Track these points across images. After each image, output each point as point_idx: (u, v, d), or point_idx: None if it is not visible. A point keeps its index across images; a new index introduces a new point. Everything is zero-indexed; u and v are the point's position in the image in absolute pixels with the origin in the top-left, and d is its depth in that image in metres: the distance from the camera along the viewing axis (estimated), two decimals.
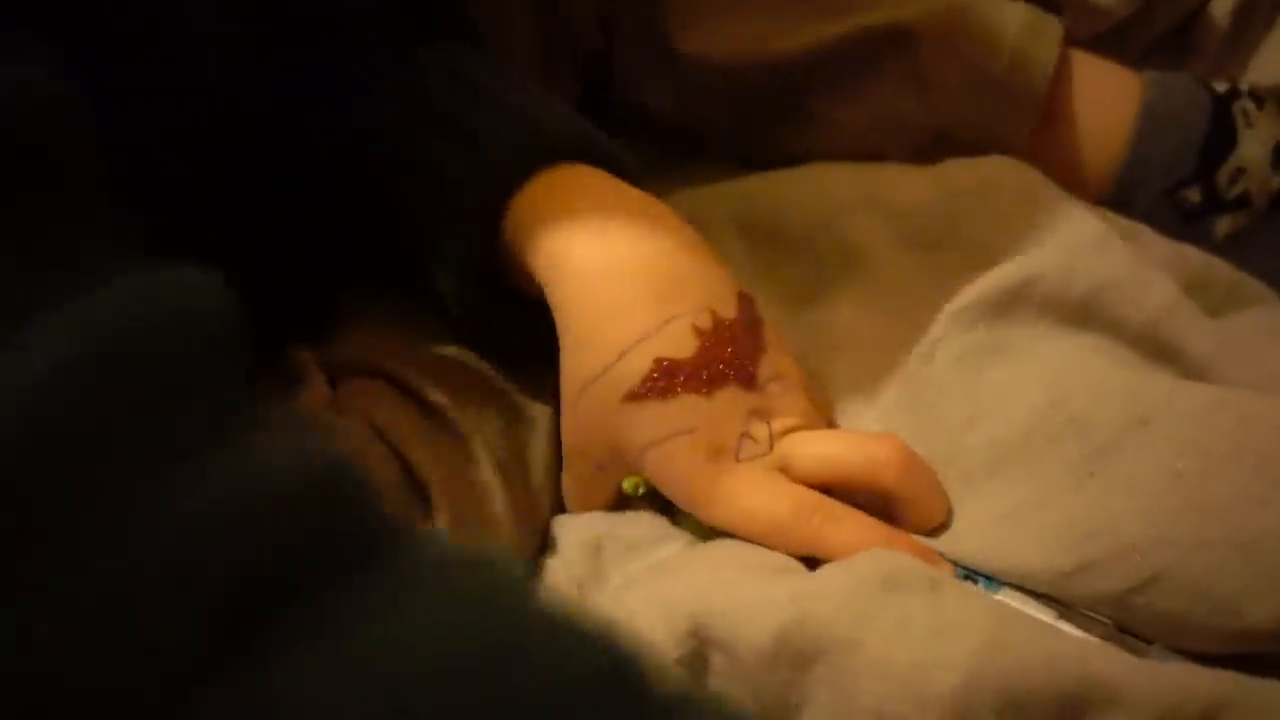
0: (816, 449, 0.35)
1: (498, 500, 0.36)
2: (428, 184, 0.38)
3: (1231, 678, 0.29)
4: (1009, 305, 0.38)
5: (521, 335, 0.38)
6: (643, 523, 0.37)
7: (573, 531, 0.37)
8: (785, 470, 0.35)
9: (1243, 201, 0.45)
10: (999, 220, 0.42)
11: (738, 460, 0.35)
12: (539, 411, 0.39)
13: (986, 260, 0.40)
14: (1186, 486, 0.32)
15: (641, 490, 0.37)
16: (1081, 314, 0.38)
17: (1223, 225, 0.46)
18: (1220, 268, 0.43)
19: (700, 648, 0.31)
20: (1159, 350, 0.38)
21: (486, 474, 0.36)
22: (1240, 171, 0.45)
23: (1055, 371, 0.36)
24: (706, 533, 0.36)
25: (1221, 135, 0.45)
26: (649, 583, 0.34)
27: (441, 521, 0.35)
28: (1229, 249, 0.45)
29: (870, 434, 0.38)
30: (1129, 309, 0.38)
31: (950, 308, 0.39)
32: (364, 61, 0.41)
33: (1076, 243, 0.39)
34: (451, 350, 0.40)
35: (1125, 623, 0.32)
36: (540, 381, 0.39)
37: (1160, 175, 0.45)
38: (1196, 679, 0.29)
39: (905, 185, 0.44)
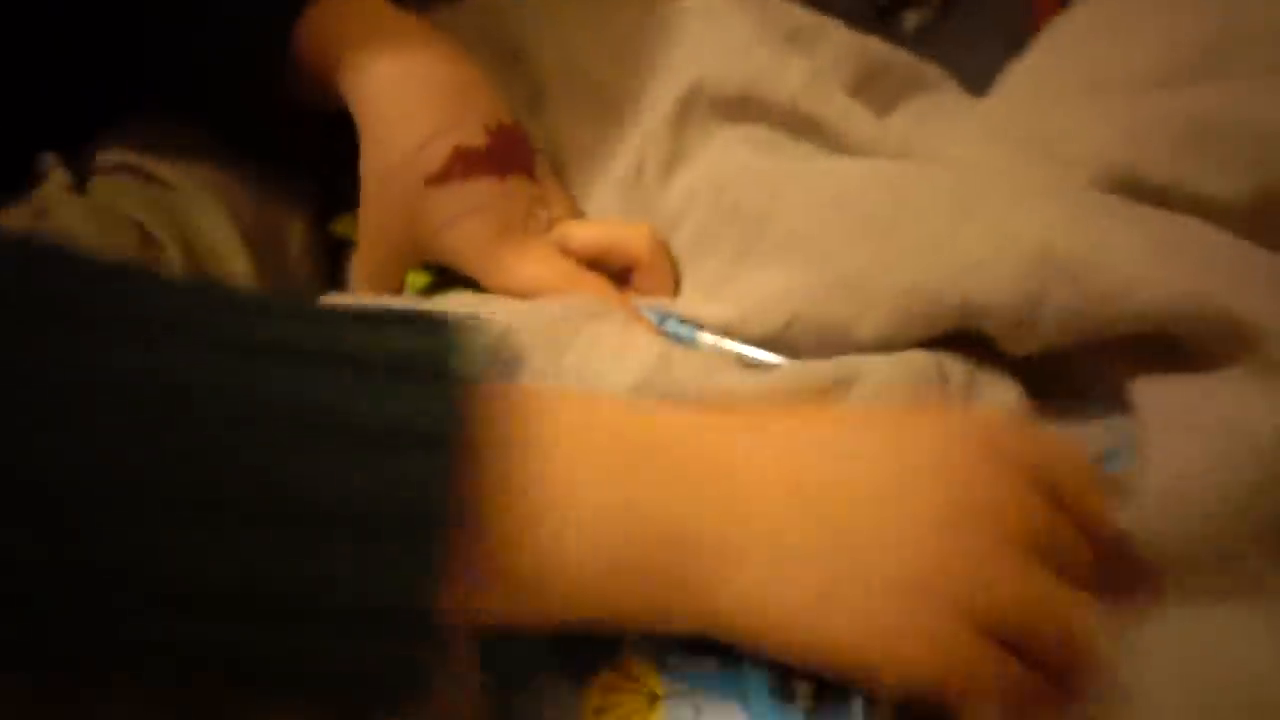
0: (587, 231, 0.45)
1: (238, 259, 0.43)
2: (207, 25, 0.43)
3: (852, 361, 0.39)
4: (685, 114, 0.46)
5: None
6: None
7: None
8: (561, 248, 0.44)
9: None
10: (686, 38, 0.49)
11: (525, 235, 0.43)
12: (295, 202, 0.47)
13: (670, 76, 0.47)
14: (808, 243, 0.41)
15: (420, 286, 0.45)
16: (740, 108, 0.46)
17: (910, 20, 0.52)
18: (900, 56, 0.50)
19: None
20: (802, 125, 0.46)
21: (225, 233, 0.43)
22: None
23: (716, 167, 0.45)
24: None
25: None
26: None
27: (171, 266, 0.40)
28: (918, 43, 0.51)
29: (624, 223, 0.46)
30: (771, 93, 0.46)
31: (637, 129, 0.47)
32: None
33: (727, 45, 0.47)
34: (204, 154, 0.46)
35: (790, 351, 0.41)
36: (296, 185, 0.47)
37: None
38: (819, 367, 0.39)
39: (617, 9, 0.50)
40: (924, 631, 0.30)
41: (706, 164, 0.46)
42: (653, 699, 0.34)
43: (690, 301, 0.44)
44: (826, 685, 0.32)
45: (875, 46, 0.50)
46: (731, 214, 0.44)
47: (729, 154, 0.46)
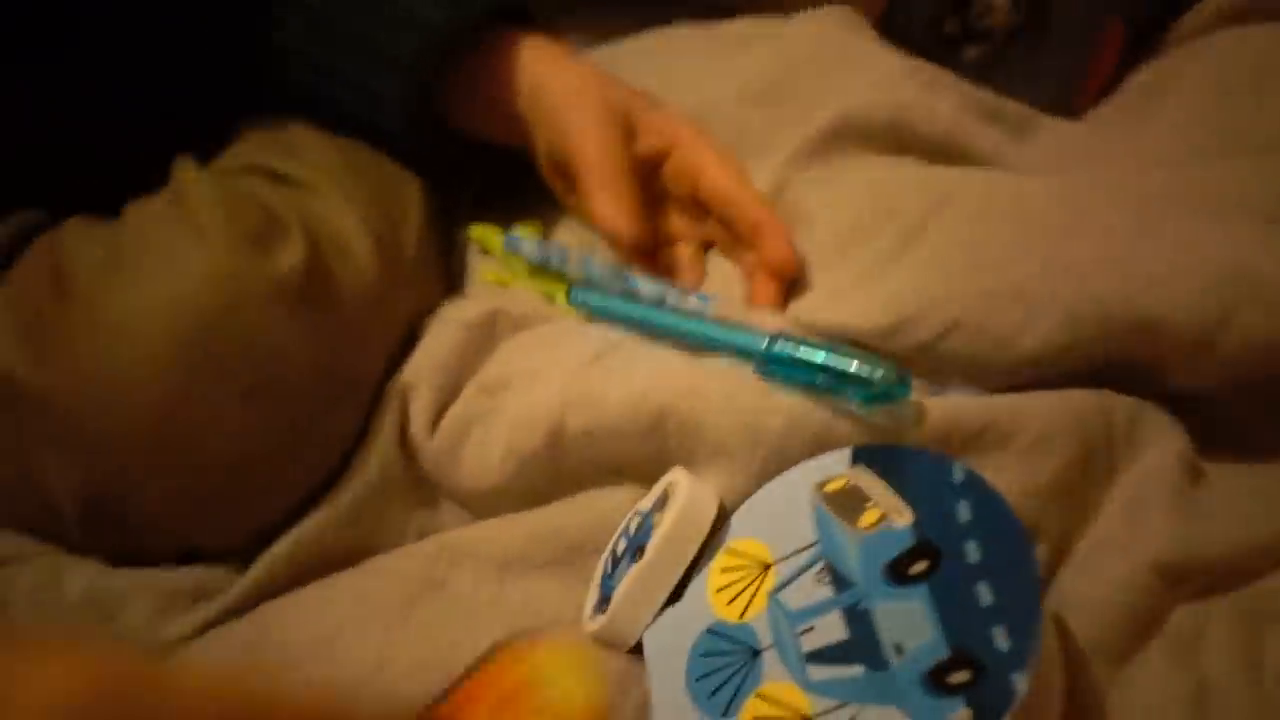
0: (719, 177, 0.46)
1: (360, 247, 0.44)
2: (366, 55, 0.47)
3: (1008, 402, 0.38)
4: (831, 143, 0.46)
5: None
6: (529, 301, 0.48)
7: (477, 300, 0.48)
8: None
9: (987, 34, 0.52)
10: (827, 74, 0.49)
11: None
12: (413, 200, 0.48)
13: (815, 108, 0.47)
14: (973, 249, 0.40)
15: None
16: (888, 136, 0.46)
17: (970, 53, 0.52)
18: (1010, 104, 0.50)
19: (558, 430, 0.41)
20: (953, 155, 0.46)
21: (350, 221, 0.44)
22: (988, 7, 0.51)
23: (872, 180, 0.44)
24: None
25: None
26: (518, 385, 0.43)
27: (296, 245, 0.42)
28: (973, 75, 0.51)
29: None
30: (925, 125, 0.45)
31: (780, 157, 0.46)
32: None
33: (874, 81, 0.47)
34: (328, 155, 0.48)
35: (935, 371, 0.40)
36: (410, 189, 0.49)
37: (924, 5, 0.52)
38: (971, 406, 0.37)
39: (746, 50, 0.51)
40: None
41: (861, 177, 0.44)
42: None
43: (821, 303, 0.42)
44: (983, 668, 0.30)
45: (985, 93, 0.50)
46: (888, 214, 0.42)
47: (888, 170, 0.45)
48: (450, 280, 0.51)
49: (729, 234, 0.46)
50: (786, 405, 0.38)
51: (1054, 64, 0.50)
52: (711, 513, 0.38)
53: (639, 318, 0.44)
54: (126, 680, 0.22)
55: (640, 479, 0.41)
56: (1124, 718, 0.33)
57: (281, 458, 0.42)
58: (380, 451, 0.43)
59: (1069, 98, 0.50)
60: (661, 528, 0.37)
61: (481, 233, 0.53)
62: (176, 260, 0.40)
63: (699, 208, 0.47)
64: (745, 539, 0.38)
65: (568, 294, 0.46)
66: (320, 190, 0.45)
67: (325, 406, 0.42)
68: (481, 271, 0.52)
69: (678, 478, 0.39)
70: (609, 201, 0.44)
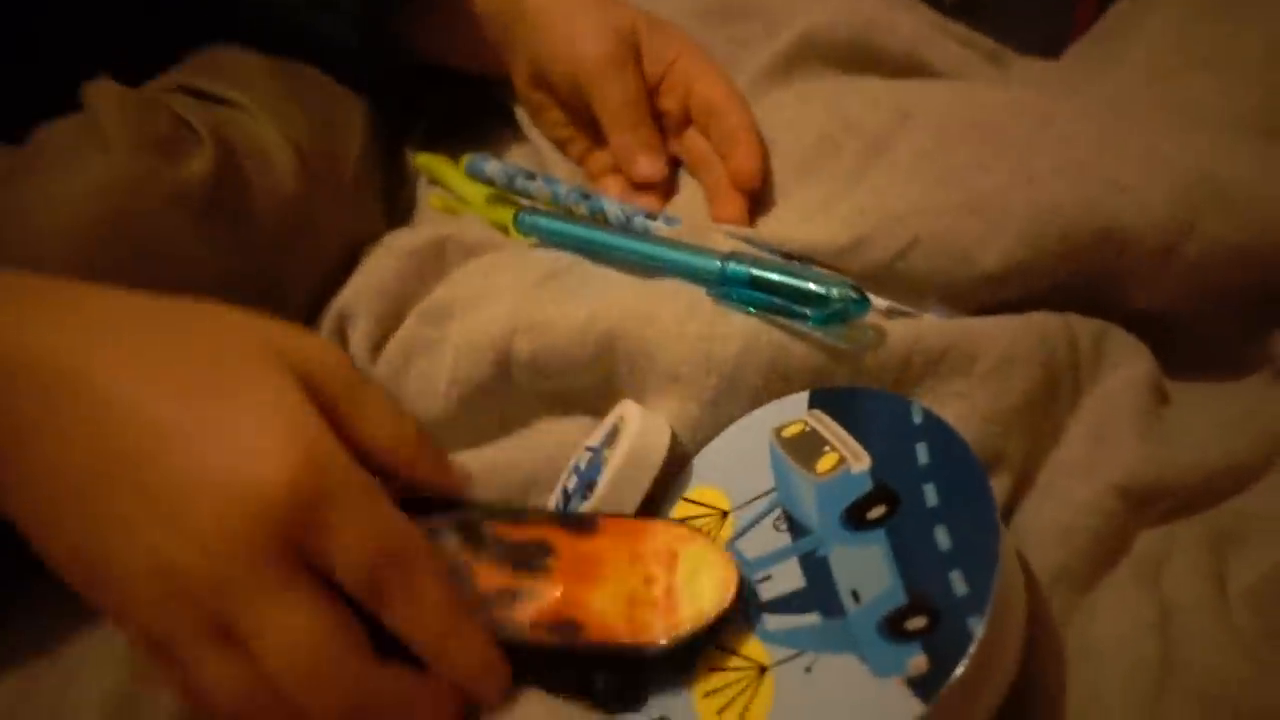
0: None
1: (281, 158, 0.42)
2: None
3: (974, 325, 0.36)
4: (794, 62, 0.43)
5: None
6: (480, 229, 0.46)
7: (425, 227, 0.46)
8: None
9: None
10: None
11: None
12: (355, 125, 0.47)
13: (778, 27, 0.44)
14: (934, 163, 0.38)
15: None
16: (850, 53, 0.44)
17: None
18: (981, 38, 0.48)
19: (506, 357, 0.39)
20: (918, 71, 0.43)
21: (275, 140, 0.43)
22: None
23: (834, 97, 0.42)
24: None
25: None
26: (464, 311, 0.41)
27: (206, 153, 0.40)
28: (955, 17, 0.49)
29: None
30: (888, 39, 0.43)
31: (745, 78, 0.43)
32: None
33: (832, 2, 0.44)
34: (263, 81, 0.46)
35: (895, 293, 0.38)
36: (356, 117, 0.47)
37: None
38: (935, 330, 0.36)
39: None
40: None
41: (822, 96, 0.42)
42: (760, 670, 0.31)
43: (785, 223, 0.41)
44: (939, 614, 0.29)
45: (957, 25, 0.48)
46: (852, 129, 0.40)
47: (850, 85, 0.43)
48: (400, 213, 0.49)
49: (700, 149, 0.44)
50: (740, 329, 0.36)
51: (1039, 5, 0.48)
52: (663, 448, 0.37)
53: (590, 240, 0.42)
54: None
55: (590, 409, 0.39)
56: (1088, 643, 0.33)
57: None
58: None
59: (1056, 43, 0.48)
60: (611, 464, 0.36)
61: (429, 161, 0.51)
62: (76, 166, 0.39)
63: (677, 123, 0.45)
64: (703, 487, 0.37)
65: (515, 219, 0.44)
66: (244, 107, 0.43)
67: None
68: (430, 199, 0.50)
69: (627, 411, 0.37)
70: (639, 147, 0.45)
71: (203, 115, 0.42)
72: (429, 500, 0.34)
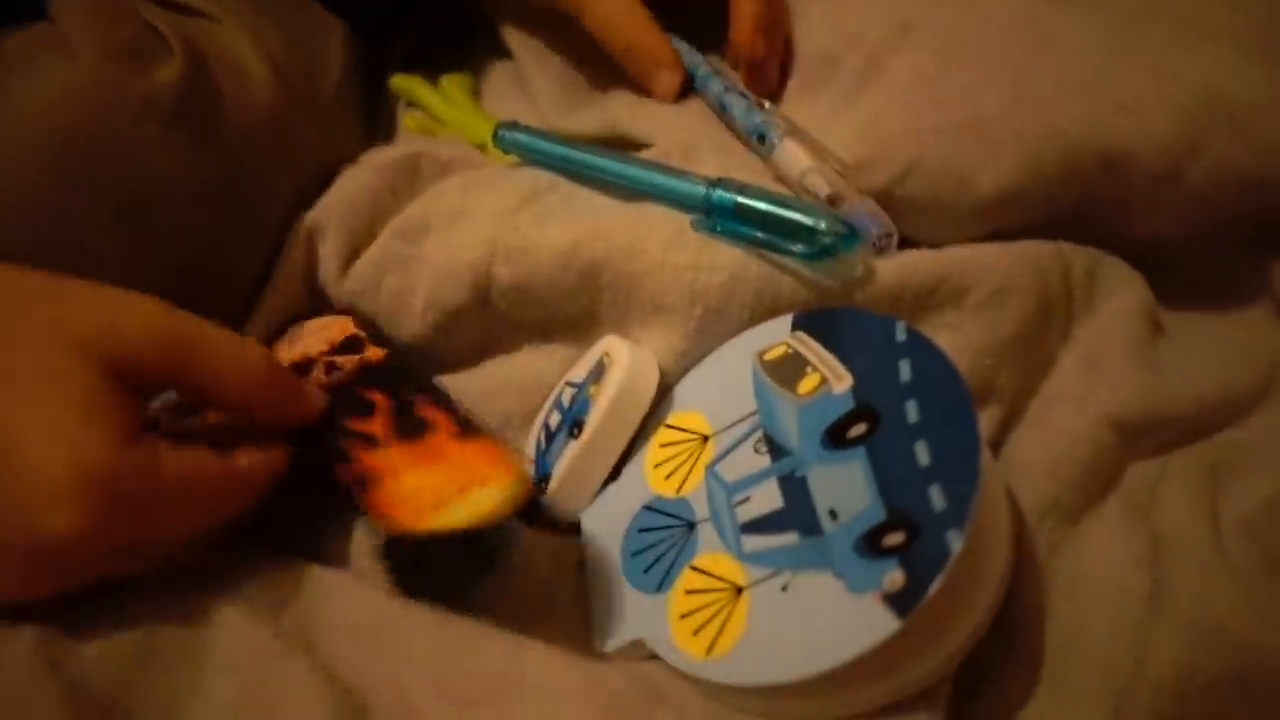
0: None
1: (255, 71, 0.41)
2: None
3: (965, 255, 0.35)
4: None
5: None
6: (457, 145, 0.45)
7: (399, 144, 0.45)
8: None
9: None
10: None
11: None
12: (334, 44, 0.46)
13: None
14: (932, 83, 0.37)
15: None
16: None
17: None
18: None
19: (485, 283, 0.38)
20: None
21: (249, 52, 0.41)
22: None
23: (832, 5, 0.41)
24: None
25: None
26: (441, 230, 0.40)
27: (176, 61, 0.39)
28: None
29: None
30: None
31: None
32: None
33: None
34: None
35: (896, 220, 0.37)
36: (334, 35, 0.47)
37: None
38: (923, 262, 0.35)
39: None
40: None
41: (820, 6, 0.41)
42: (736, 591, 0.31)
43: None
44: (918, 529, 0.28)
45: None
46: (850, 43, 0.39)
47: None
48: (380, 138, 0.48)
49: None
50: (728, 260, 0.35)
51: None
52: (652, 387, 0.36)
53: (572, 159, 0.40)
54: None
55: (571, 338, 0.38)
56: (1077, 575, 0.32)
57: (169, 293, 0.38)
58: (284, 293, 0.41)
59: None
60: (600, 404, 0.35)
61: (405, 82, 0.50)
62: (40, 75, 0.37)
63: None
64: (686, 413, 0.36)
65: (494, 136, 0.43)
66: (217, 18, 0.42)
67: (216, 239, 0.40)
68: (405, 120, 0.48)
69: (614, 346, 0.37)
70: (665, 83, 0.43)
71: (173, 24, 0.40)
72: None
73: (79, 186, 0.36)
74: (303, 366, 0.38)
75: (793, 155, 0.38)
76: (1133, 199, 0.34)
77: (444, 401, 0.35)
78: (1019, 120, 0.34)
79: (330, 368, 0.38)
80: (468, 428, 0.33)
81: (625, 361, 0.36)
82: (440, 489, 0.30)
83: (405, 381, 0.36)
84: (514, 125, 0.42)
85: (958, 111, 0.35)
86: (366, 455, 0.33)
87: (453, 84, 0.49)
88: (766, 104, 0.41)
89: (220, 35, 0.41)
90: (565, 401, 0.37)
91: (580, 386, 0.37)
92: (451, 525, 0.29)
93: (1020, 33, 0.36)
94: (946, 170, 0.35)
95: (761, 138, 0.39)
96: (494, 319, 0.39)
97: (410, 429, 0.33)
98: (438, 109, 0.48)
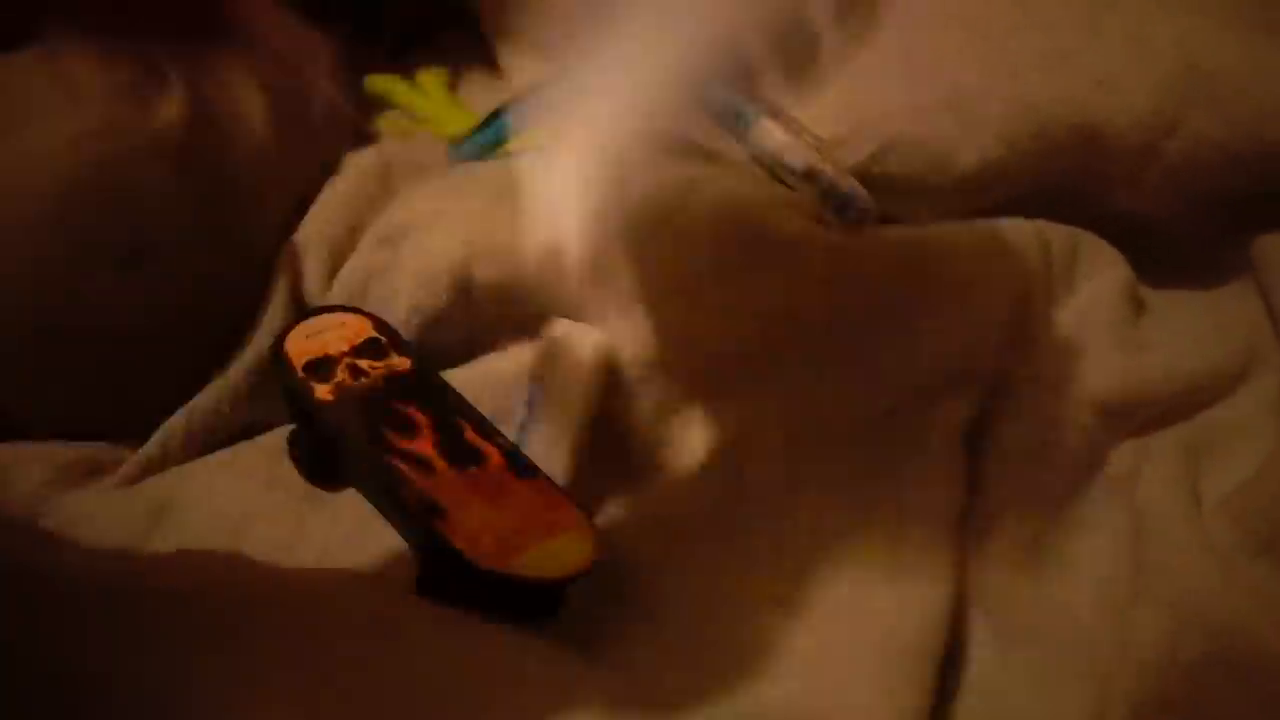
0: None
1: (251, 102, 0.40)
2: None
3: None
4: None
5: None
6: (431, 149, 0.44)
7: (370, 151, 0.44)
8: None
9: None
10: None
11: None
12: (322, 60, 0.45)
13: None
14: (908, 60, 0.36)
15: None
16: None
17: None
18: None
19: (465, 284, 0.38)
20: None
21: (240, 80, 0.41)
22: None
23: None
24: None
25: None
26: (418, 234, 0.39)
27: (176, 95, 0.39)
28: None
29: None
30: None
31: None
32: None
33: None
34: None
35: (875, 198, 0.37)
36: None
37: None
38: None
39: None
40: None
41: None
42: None
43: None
44: None
45: None
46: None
47: None
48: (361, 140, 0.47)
49: None
50: None
51: None
52: (595, 362, 0.36)
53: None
54: None
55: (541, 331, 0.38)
56: (1062, 557, 0.32)
57: (168, 331, 0.39)
58: (273, 318, 0.40)
59: None
60: (547, 391, 0.35)
61: (380, 82, 0.49)
62: (44, 119, 0.37)
63: None
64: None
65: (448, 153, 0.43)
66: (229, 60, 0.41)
67: (214, 276, 0.39)
68: (379, 122, 0.47)
69: (558, 330, 0.36)
70: None
71: (168, 54, 0.40)
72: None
73: (88, 232, 0.36)
74: (324, 363, 0.37)
75: (767, 132, 0.37)
76: (1113, 174, 0.34)
77: (483, 427, 0.35)
78: (996, 95, 0.34)
79: (355, 370, 0.37)
80: (518, 461, 0.34)
81: (568, 343, 0.36)
82: (517, 529, 0.31)
83: (439, 399, 0.36)
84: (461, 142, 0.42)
85: (936, 87, 0.35)
86: (421, 479, 0.32)
87: (428, 78, 0.49)
88: None
89: (215, 63, 0.41)
90: (527, 396, 0.37)
91: (537, 378, 0.37)
92: (545, 574, 0.30)
93: (999, 4, 0.36)
94: (924, 150, 0.35)
95: (737, 116, 0.38)
96: (479, 318, 0.38)
97: (462, 457, 0.33)
98: (414, 105, 0.48)
